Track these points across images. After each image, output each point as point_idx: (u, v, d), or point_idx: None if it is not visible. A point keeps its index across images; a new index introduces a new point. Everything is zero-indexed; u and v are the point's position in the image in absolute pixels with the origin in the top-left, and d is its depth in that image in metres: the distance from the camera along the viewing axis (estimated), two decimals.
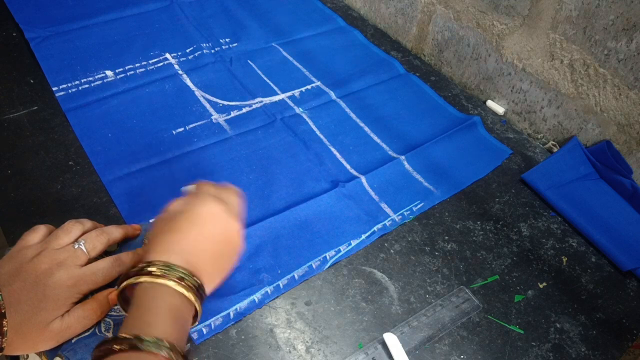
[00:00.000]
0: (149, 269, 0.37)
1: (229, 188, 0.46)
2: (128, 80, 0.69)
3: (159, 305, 0.36)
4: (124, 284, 0.38)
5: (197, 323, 0.41)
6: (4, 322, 0.36)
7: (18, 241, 0.43)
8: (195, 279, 0.38)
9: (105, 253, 0.46)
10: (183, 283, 0.37)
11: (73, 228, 0.44)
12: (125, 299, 0.40)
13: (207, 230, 0.41)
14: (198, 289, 0.38)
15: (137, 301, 0.37)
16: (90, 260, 0.43)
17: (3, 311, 0.36)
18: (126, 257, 0.45)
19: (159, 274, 0.37)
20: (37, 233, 0.44)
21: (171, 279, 0.37)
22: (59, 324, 0.39)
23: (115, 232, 0.46)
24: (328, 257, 0.52)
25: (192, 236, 0.40)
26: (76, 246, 0.42)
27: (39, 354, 0.43)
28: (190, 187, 0.46)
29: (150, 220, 0.52)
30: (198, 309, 0.39)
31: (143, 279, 0.37)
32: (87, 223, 0.46)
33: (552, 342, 0.48)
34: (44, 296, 0.38)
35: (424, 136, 0.67)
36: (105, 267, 0.43)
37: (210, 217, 0.41)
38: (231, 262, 0.44)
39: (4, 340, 0.36)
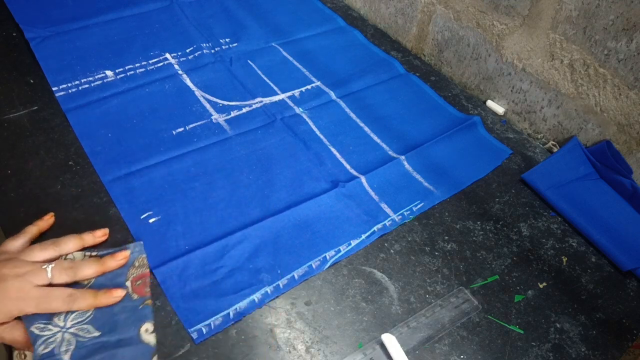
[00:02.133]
0: None
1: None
2: (128, 80, 0.69)
3: None
4: None
5: None
6: None
7: (2, 244, 0.43)
8: None
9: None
10: None
11: (49, 248, 0.44)
12: None
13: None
14: None
15: None
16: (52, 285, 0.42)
17: None
18: (82, 297, 0.42)
19: None
20: (19, 240, 0.44)
21: None
22: None
23: (87, 270, 0.44)
24: (328, 257, 0.52)
25: None
26: (43, 266, 0.41)
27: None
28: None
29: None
30: None
31: None
32: (70, 245, 0.45)
33: (552, 342, 0.48)
34: None
35: (424, 136, 0.67)
36: (51, 298, 0.41)
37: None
38: None
39: None
